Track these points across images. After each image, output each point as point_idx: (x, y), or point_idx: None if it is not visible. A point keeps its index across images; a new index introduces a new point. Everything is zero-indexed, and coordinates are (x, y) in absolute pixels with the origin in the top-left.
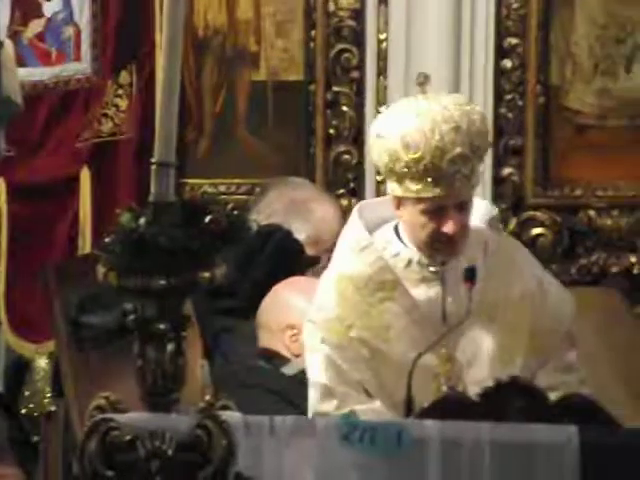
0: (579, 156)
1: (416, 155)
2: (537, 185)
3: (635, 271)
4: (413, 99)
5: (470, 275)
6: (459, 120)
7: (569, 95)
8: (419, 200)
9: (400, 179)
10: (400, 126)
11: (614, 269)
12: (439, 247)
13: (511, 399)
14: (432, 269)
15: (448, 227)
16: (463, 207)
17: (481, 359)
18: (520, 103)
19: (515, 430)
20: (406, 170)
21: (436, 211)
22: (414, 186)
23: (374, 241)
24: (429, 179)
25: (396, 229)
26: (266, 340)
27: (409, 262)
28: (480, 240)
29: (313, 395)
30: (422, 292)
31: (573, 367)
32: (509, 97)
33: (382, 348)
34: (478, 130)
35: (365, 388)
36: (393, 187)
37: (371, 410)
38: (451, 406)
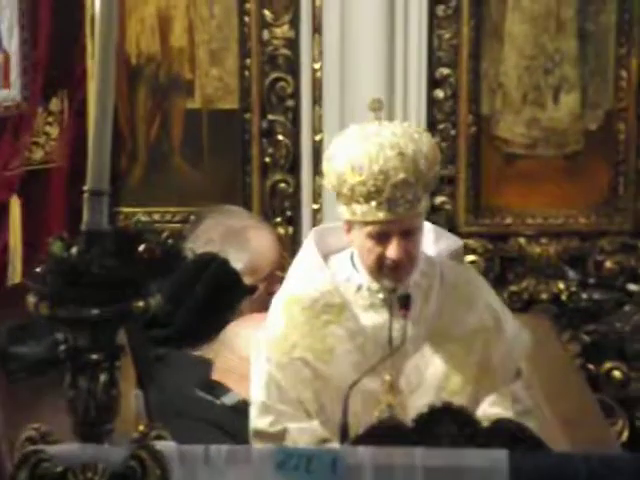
0: (509, 185)
1: (360, 178)
2: (469, 213)
3: (563, 297)
4: (366, 124)
5: (404, 302)
6: (404, 146)
7: (499, 125)
8: (365, 224)
9: (347, 202)
10: (348, 149)
11: (543, 295)
12: (385, 272)
13: (444, 425)
14: (381, 296)
15: (391, 252)
16: (409, 234)
17: (425, 388)
18: (452, 132)
19: (447, 455)
20: (351, 193)
21: (381, 236)
22: (359, 209)
23: (326, 265)
24: (373, 203)
25: (352, 255)
26: (229, 378)
27: (359, 287)
28: (436, 270)
29: (252, 412)
30: (370, 318)
31: (516, 397)
32: (442, 127)
33: (323, 370)
34: (425, 157)
35: (306, 408)
36: (342, 210)
37: (305, 429)
38: (386, 432)
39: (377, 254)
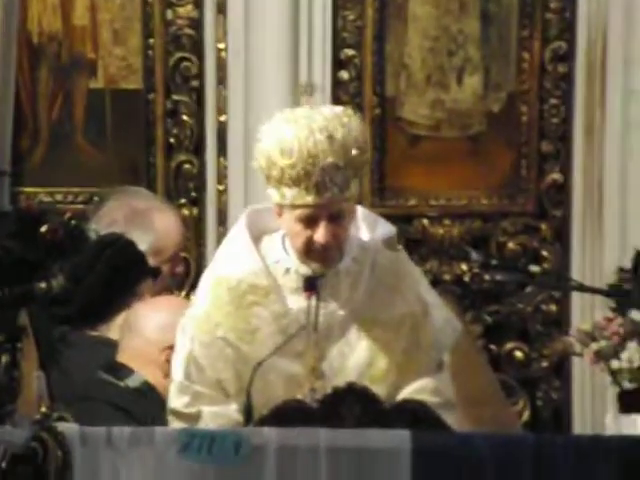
0: (413, 166)
1: (290, 161)
2: (374, 195)
3: (466, 279)
4: (297, 108)
5: (309, 286)
6: (334, 130)
7: (404, 106)
8: (293, 207)
9: (277, 185)
10: (278, 132)
11: (446, 277)
12: (313, 256)
13: (349, 405)
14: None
15: (319, 236)
16: (337, 218)
17: (346, 373)
18: (358, 114)
19: (350, 435)
20: (281, 176)
21: (310, 220)
22: (289, 192)
23: (259, 246)
24: (302, 186)
25: (283, 237)
26: (134, 361)
27: (287, 270)
28: (369, 256)
29: (171, 390)
30: (296, 301)
31: (437, 389)
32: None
33: (245, 350)
34: (355, 141)
35: (224, 388)
36: (272, 193)
37: (220, 413)
38: (291, 413)
39: (306, 238)
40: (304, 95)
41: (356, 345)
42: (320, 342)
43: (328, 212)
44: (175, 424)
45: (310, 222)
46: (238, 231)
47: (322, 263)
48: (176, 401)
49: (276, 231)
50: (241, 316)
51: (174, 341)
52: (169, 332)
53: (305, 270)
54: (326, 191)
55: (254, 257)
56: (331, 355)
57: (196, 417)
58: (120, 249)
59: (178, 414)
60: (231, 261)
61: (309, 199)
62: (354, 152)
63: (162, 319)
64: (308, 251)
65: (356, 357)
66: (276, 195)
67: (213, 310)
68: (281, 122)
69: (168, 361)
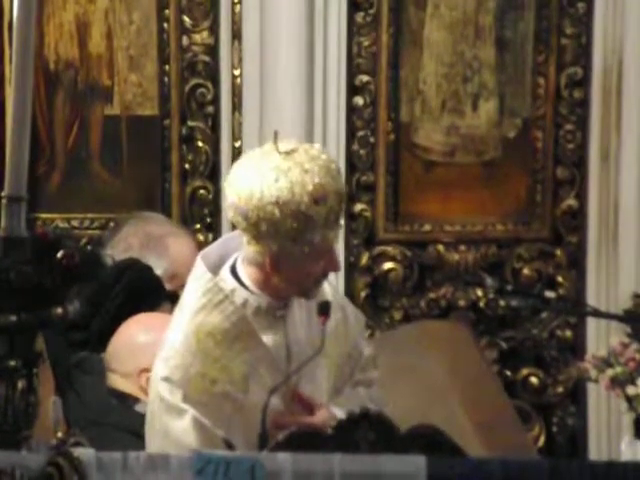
0: (428, 192)
1: (326, 206)
2: (388, 220)
3: (481, 304)
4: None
5: (324, 309)
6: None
7: (418, 132)
8: (326, 250)
9: (310, 232)
10: (300, 186)
11: (461, 302)
12: (318, 285)
13: (362, 430)
14: (279, 313)
15: (337, 264)
16: None
17: (319, 395)
18: (372, 140)
19: (365, 461)
20: (313, 224)
21: (327, 252)
22: (321, 235)
23: (228, 291)
24: (334, 225)
25: (233, 272)
26: (119, 383)
27: (258, 309)
28: None
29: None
30: (270, 338)
31: (372, 384)
32: (361, 134)
33: (241, 400)
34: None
35: (230, 444)
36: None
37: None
38: (305, 439)
39: (322, 270)
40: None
41: (318, 366)
42: (292, 373)
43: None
44: (157, 396)
45: (328, 254)
46: (200, 277)
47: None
48: (170, 396)
49: (221, 265)
50: (233, 367)
51: (147, 364)
52: (144, 354)
53: (269, 304)
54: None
55: (233, 305)
56: (302, 382)
57: (181, 412)
58: (138, 274)
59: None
60: (210, 313)
61: (336, 235)
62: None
63: (138, 340)
64: (318, 281)
65: (320, 378)
66: (314, 240)
67: (204, 367)
68: (291, 174)
69: (147, 383)
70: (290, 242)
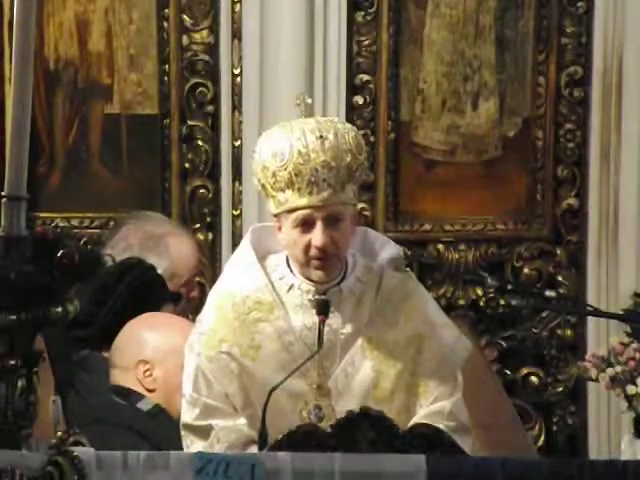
0: (428, 191)
1: (281, 163)
2: (388, 219)
3: (481, 303)
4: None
5: (322, 308)
6: (326, 131)
7: (418, 131)
8: (289, 213)
9: (272, 193)
10: (272, 139)
11: (461, 301)
12: (313, 264)
13: (363, 430)
14: (311, 297)
15: (316, 239)
16: (334, 221)
17: (351, 392)
18: (372, 139)
19: (365, 460)
20: (274, 181)
21: (306, 223)
22: (283, 197)
23: (264, 263)
24: (295, 187)
25: (288, 256)
26: (119, 378)
27: (290, 287)
28: (375, 277)
29: (182, 405)
30: (300, 318)
31: (451, 413)
32: (361, 133)
33: (249, 366)
34: (346, 144)
35: (232, 402)
36: (270, 206)
37: (231, 428)
38: (305, 438)
39: (304, 244)
40: (299, 106)
41: (361, 365)
42: (323, 360)
43: (324, 214)
44: (189, 439)
45: (307, 227)
46: (243, 249)
47: (322, 270)
48: (187, 415)
49: (281, 251)
50: (246, 332)
51: (146, 356)
52: (143, 347)
53: (308, 287)
54: (319, 191)
55: (259, 274)
56: (335, 374)
57: (207, 430)
58: (141, 273)
59: (190, 427)
60: (236, 278)
61: (303, 200)
62: (347, 154)
63: (140, 334)
64: (307, 259)
65: (361, 377)
66: (273, 205)
67: (218, 326)
68: (275, 130)
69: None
70: (269, 199)
